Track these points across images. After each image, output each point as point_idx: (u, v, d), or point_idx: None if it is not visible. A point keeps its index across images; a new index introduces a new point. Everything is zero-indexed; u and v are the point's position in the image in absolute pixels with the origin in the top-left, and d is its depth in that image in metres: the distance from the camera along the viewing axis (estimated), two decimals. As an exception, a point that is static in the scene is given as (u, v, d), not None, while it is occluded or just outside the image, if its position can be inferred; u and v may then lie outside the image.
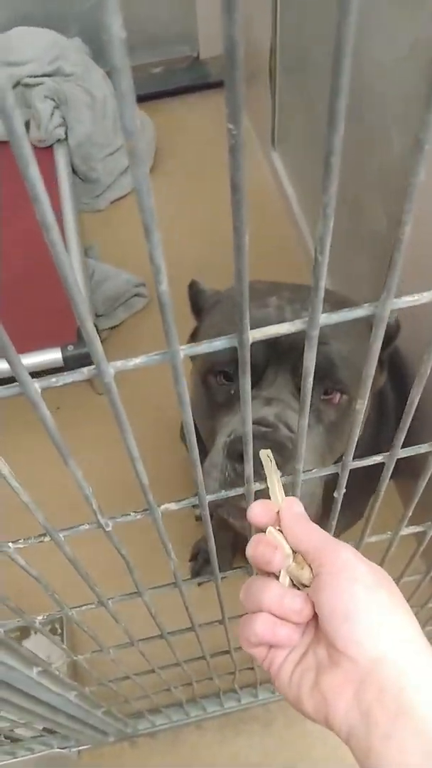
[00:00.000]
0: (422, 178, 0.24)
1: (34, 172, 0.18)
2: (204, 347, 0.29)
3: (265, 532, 0.45)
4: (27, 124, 2.08)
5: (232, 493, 0.43)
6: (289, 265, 1.93)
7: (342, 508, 0.52)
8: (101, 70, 2.16)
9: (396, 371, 1.26)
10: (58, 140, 2.04)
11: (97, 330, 1.62)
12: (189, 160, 2.31)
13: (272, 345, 0.72)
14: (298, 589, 0.44)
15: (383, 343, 0.87)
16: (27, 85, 2.03)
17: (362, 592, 0.40)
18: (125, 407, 0.30)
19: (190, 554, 1.40)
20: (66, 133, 2.05)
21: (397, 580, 0.69)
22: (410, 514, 0.52)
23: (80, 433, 1.61)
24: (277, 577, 0.45)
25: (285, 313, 0.76)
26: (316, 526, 0.45)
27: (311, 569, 0.43)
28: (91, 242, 1.98)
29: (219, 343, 0.29)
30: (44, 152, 2.02)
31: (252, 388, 0.74)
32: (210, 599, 0.63)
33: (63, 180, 1.94)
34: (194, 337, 0.90)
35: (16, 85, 2.06)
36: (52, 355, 1.49)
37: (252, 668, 0.94)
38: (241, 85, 0.18)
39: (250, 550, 0.45)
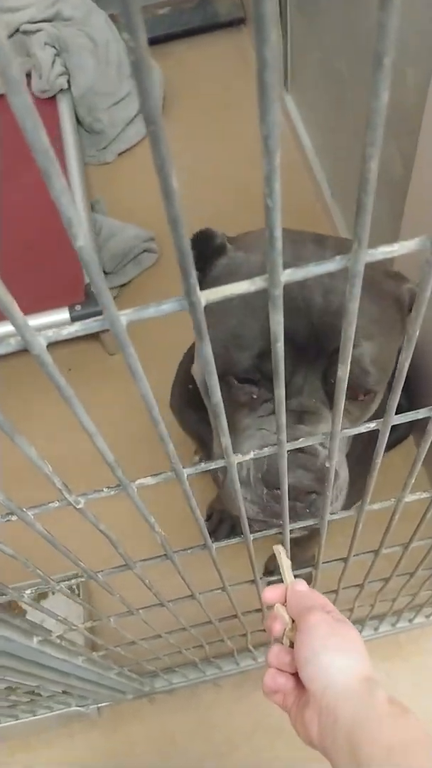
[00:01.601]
0: (385, 101, 0.19)
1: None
2: (151, 311, 0.25)
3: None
4: (28, 75, 2.01)
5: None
6: (302, 214, 1.86)
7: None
8: (103, 13, 2.06)
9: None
10: (61, 90, 1.96)
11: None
12: (199, 105, 2.22)
13: (300, 350, 0.66)
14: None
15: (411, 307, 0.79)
16: (26, 32, 1.96)
17: (318, 643, 0.54)
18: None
19: (205, 515, 1.39)
20: (69, 83, 1.97)
21: (406, 546, 0.67)
22: (413, 481, 0.49)
23: (94, 393, 1.59)
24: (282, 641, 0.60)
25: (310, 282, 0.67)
26: (309, 598, 0.59)
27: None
28: (97, 197, 1.92)
29: (167, 306, 0.25)
30: (47, 103, 1.95)
31: (270, 399, 0.70)
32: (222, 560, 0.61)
33: (67, 132, 1.87)
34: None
35: (15, 32, 1.98)
36: (60, 316, 1.46)
37: (263, 630, 0.93)
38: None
39: (265, 623, 0.62)
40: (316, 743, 0.53)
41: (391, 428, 1.12)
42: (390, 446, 1.25)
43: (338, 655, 0.53)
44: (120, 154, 2.07)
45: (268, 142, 0.19)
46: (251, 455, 0.40)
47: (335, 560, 0.67)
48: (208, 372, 0.29)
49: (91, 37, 1.99)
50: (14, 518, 0.39)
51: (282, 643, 0.59)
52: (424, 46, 1.02)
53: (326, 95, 1.71)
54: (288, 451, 0.59)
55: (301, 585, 0.61)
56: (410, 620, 1.15)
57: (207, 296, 0.25)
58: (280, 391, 0.33)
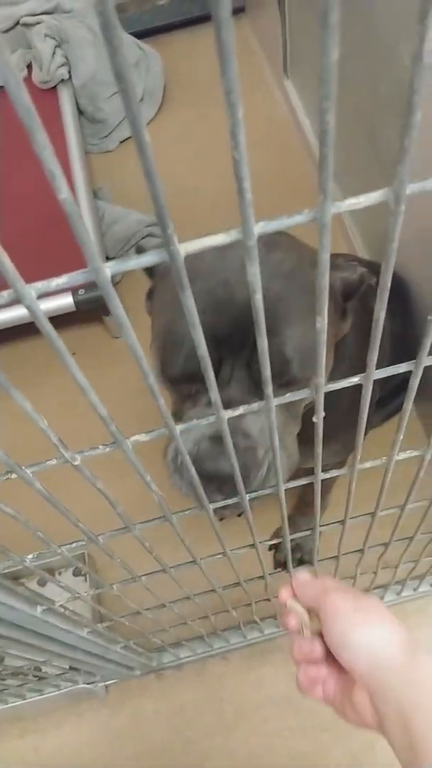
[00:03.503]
0: (334, 58, 0.21)
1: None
2: (132, 263, 0.28)
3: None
4: (29, 66, 2.03)
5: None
6: (303, 199, 1.87)
7: (333, 438, 0.61)
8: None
9: (399, 296, 1.23)
10: (62, 81, 1.98)
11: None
12: (199, 94, 2.24)
13: (224, 342, 0.68)
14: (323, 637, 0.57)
15: (347, 295, 0.81)
16: (26, 25, 1.98)
17: (346, 624, 0.53)
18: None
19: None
20: (69, 73, 1.99)
21: (402, 507, 0.68)
22: (401, 437, 0.51)
23: (98, 376, 1.61)
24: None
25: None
26: (315, 583, 0.59)
27: (319, 621, 0.57)
28: (100, 184, 1.94)
29: (148, 259, 0.27)
30: (48, 94, 1.98)
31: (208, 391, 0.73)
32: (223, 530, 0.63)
33: (68, 121, 1.90)
34: (149, 297, 0.84)
35: (15, 25, 2.00)
36: (64, 300, 1.49)
37: (268, 599, 0.95)
38: None
39: (280, 619, 0.64)
40: (374, 725, 0.51)
41: (394, 395, 1.14)
42: (393, 413, 1.28)
43: (370, 630, 0.52)
44: (122, 142, 2.09)
45: (230, 96, 0.21)
46: (241, 409, 0.42)
47: (334, 523, 0.69)
48: (191, 324, 0.32)
49: (92, 29, 2.01)
50: (13, 476, 0.41)
51: (302, 635, 0.59)
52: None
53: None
54: (210, 440, 0.66)
55: (303, 574, 0.62)
56: (415, 589, 1.17)
57: (185, 248, 0.27)
58: (263, 342, 0.35)
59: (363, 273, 0.77)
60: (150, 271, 0.83)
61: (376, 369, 0.40)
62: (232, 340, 0.68)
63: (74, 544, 0.56)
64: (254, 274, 0.30)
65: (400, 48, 1.12)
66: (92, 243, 0.26)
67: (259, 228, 0.27)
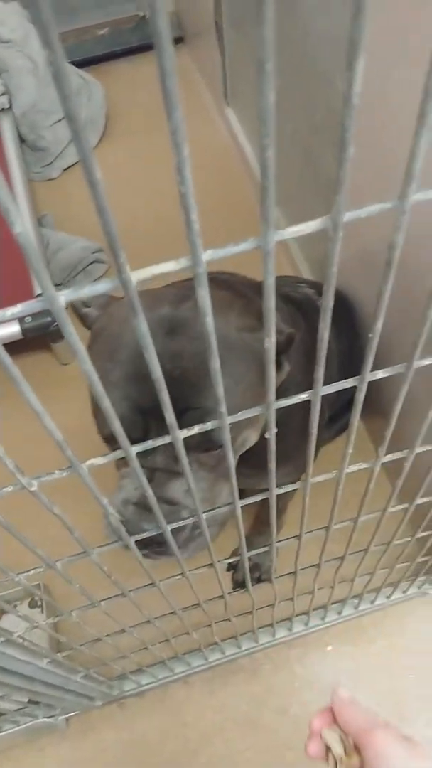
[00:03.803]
0: (271, 100, 0.23)
1: None
2: (86, 291, 0.29)
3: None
4: (-32, 95, 2.03)
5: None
6: (245, 224, 1.91)
7: (285, 460, 0.60)
8: (42, 33, 2.10)
9: (344, 316, 1.27)
10: (2, 110, 1.99)
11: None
12: (140, 121, 2.27)
13: (149, 412, 0.70)
14: None
15: (277, 353, 0.83)
16: (-35, 55, 1.98)
17: None
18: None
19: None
20: (10, 102, 1.99)
21: (355, 519, 0.70)
22: (350, 451, 0.52)
23: (46, 403, 1.59)
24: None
25: (175, 324, 0.72)
26: (361, 710, 0.56)
27: (359, 756, 0.53)
28: (44, 212, 1.94)
29: (101, 287, 0.28)
30: (-11, 122, 1.98)
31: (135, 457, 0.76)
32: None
33: (10, 150, 1.90)
34: (90, 348, 0.83)
35: None
36: (11, 329, 1.48)
37: (229, 619, 0.96)
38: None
39: (308, 749, 0.58)
40: None
41: (344, 412, 1.17)
42: (342, 429, 1.31)
43: None
44: (65, 170, 2.10)
45: (175, 136, 0.22)
46: (196, 429, 0.43)
47: (290, 538, 0.70)
48: (145, 346, 0.33)
49: (31, 58, 2.02)
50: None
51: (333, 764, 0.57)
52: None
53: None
54: (135, 506, 0.71)
55: (345, 692, 0.59)
56: (372, 602, 1.19)
57: (137, 276, 0.29)
58: (215, 363, 0.36)
59: (290, 333, 0.79)
60: (84, 320, 0.84)
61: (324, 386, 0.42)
62: (157, 410, 0.69)
63: (32, 572, 0.56)
64: (203, 296, 0.31)
65: (335, 79, 1.16)
66: (46, 273, 0.26)
67: (207, 256, 0.29)
